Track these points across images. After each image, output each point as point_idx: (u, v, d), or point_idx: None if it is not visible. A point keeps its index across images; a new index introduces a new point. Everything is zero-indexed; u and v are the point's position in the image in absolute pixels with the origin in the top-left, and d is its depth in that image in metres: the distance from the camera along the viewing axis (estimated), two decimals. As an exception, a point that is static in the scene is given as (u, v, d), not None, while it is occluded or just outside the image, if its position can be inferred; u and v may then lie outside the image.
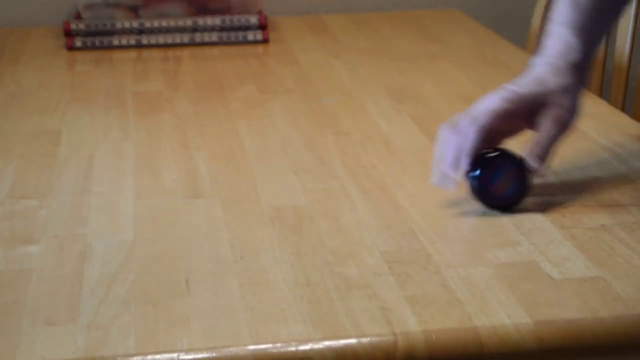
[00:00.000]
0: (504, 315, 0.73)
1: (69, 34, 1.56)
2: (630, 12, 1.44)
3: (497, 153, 0.92)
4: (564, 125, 0.92)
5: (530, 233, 0.87)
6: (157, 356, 0.69)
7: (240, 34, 1.59)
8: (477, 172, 0.90)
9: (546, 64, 0.94)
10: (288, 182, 1.00)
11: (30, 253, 0.85)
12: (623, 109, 1.42)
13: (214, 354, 0.69)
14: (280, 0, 1.81)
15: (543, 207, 0.92)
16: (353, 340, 0.70)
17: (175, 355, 0.69)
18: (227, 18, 1.58)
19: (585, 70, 0.94)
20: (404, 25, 1.69)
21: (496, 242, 0.85)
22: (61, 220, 0.91)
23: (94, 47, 1.56)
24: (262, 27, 1.59)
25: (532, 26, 1.65)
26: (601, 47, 1.50)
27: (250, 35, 1.59)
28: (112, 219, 0.92)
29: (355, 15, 1.76)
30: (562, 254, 0.83)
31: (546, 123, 0.91)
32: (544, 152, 0.91)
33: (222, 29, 1.58)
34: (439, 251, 0.84)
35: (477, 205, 0.93)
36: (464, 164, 0.90)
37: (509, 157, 0.92)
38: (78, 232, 0.89)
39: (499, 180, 0.91)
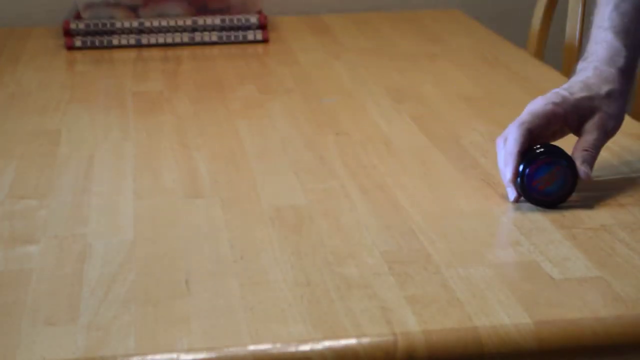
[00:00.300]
0: (504, 315, 0.73)
1: (68, 33, 1.56)
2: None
3: (542, 149, 0.91)
4: (608, 131, 0.93)
5: (530, 233, 0.87)
6: (157, 356, 0.69)
7: (240, 34, 1.59)
8: (521, 166, 0.91)
9: (593, 68, 0.94)
10: (288, 182, 1.00)
11: (30, 253, 0.85)
12: (623, 109, 1.42)
13: (213, 354, 0.69)
14: (280, 0, 1.81)
15: (543, 207, 0.92)
16: (353, 340, 0.70)
17: (175, 355, 0.69)
18: (227, 18, 1.58)
19: (631, 75, 0.95)
20: (404, 25, 1.69)
21: (496, 242, 0.85)
22: (61, 220, 0.91)
23: (93, 47, 1.56)
24: (262, 27, 1.59)
25: (532, 26, 1.65)
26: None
27: (250, 35, 1.59)
28: (112, 219, 0.92)
29: (355, 15, 1.76)
30: (562, 254, 0.83)
31: (592, 129, 0.92)
32: (590, 158, 0.92)
33: (222, 28, 1.58)
34: (439, 251, 0.84)
35: (477, 206, 0.93)
36: (512, 166, 0.90)
37: (555, 153, 0.91)
38: (78, 232, 0.89)
39: (543, 176, 0.90)
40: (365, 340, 0.70)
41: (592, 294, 0.76)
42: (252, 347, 0.70)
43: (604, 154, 1.05)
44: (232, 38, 1.59)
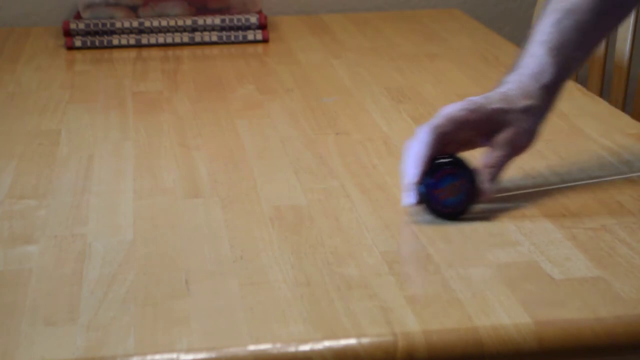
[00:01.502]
0: (504, 315, 0.73)
1: (68, 33, 1.56)
2: (630, 12, 1.44)
3: (449, 159, 0.90)
4: (518, 147, 0.91)
5: (530, 233, 0.87)
6: (157, 356, 0.69)
7: (240, 34, 1.59)
8: (426, 175, 0.89)
9: (518, 82, 0.92)
10: (288, 182, 0.99)
11: (29, 253, 0.85)
12: (623, 109, 1.42)
13: (213, 354, 0.69)
14: (280, 0, 1.81)
15: (543, 207, 0.92)
16: (353, 340, 0.70)
17: (174, 355, 0.69)
18: (227, 18, 1.58)
19: (555, 93, 0.93)
20: (404, 25, 1.69)
21: (496, 242, 0.85)
22: (60, 220, 0.91)
23: (93, 47, 1.56)
24: (262, 26, 1.59)
25: (532, 26, 1.65)
26: (601, 47, 1.50)
27: (250, 35, 1.59)
28: (112, 219, 0.92)
29: (355, 15, 1.76)
30: (562, 254, 0.83)
31: (501, 144, 0.90)
32: (494, 175, 0.89)
33: (222, 28, 1.58)
34: (439, 251, 0.84)
35: (477, 206, 0.93)
36: (419, 169, 0.88)
37: (460, 166, 0.90)
38: (77, 232, 0.89)
39: (446, 186, 0.89)
40: (365, 340, 0.70)
41: (592, 294, 0.76)
42: (252, 347, 0.70)
43: (604, 154, 1.05)
44: (232, 38, 1.58)
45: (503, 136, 0.90)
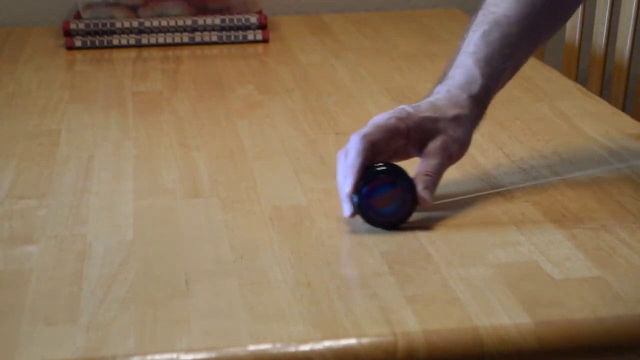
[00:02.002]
0: (504, 315, 0.73)
1: (68, 33, 1.56)
2: (630, 12, 1.44)
3: (383, 168, 0.88)
4: (450, 155, 0.90)
5: (530, 233, 0.87)
6: (157, 356, 0.69)
7: (240, 34, 1.59)
8: (361, 182, 0.87)
9: (446, 92, 0.92)
10: (288, 182, 0.99)
11: (29, 253, 0.85)
12: (623, 109, 1.42)
13: (213, 354, 0.69)
14: (280, 0, 1.81)
15: (543, 207, 0.92)
16: (353, 340, 0.70)
17: (175, 355, 0.69)
18: (227, 18, 1.58)
19: (484, 103, 0.93)
20: (404, 25, 1.69)
21: (496, 242, 0.85)
22: (61, 220, 0.91)
23: (93, 47, 1.56)
24: (262, 26, 1.59)
25: (532, 26, 1.64)
26: (601, 47, 1.50)
27: (250, 35, 1.59)
28: (112, 219, 0.92)
29: (355, 15, 1.76)
30: (562, 254, 0.83)
31: (434, 152, 0.89)
32: (432, 183, 0.89)
33: (222, 28, 1.58)
34: (439, 251, 0.84)
35: (478, 206, 0.93)
36: (352, 179, 0.87)
37: (396, 174, 0.88)
38: (77, 232, 0.89)
39: (382, 195, 0.87)
40: (365, 340, 0.70)
41: (592, 294, 0.76)
42: (252, 347, 0.70)
43: (604, 154, 1.05)
44: (232, 38, 1.58)
45: (434, 144, 0.90)
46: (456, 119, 0.91)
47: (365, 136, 0.88)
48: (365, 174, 0.87)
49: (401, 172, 0.88)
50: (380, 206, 0.87)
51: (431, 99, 0.93)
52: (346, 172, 0.87)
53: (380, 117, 0.90)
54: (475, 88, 0.92)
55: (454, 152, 0.91)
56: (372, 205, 0.87)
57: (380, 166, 0.88)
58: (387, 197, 0.87)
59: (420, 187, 0.88)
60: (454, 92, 0.92)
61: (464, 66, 0.93)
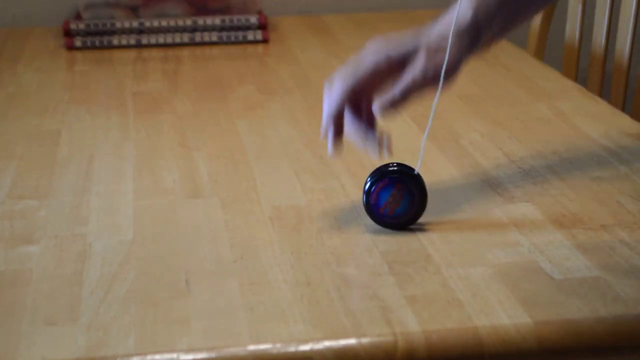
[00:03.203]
0: (504, 315, 0.73)
1: (69, 33, 1.56)
2: (630, 12, 1.44)
3: (395, 168, 0.88)
4: (424, 78, 0.87)
5: (530, 233, 0.87)
6: (157, 356, 0.69)
7: (240, 34, 1.59)
8: (367, 185, 0.87)
9: (436, 25, 0.90)
10: (288, 182, 1.00)
11: (30, 253, 0.85)
12: (623, 109, 1.42)
13: (213, 354, 0.69)
14: (280, 0, 1.81)
15: (543, 207, 0.92)
16: (353, 340, 0.70)
17: (175, 355, 0.69)
18: (227, 18, 1.58)
19: (474, 34, 0.90)
20: (404, 25, 1.68)
21: (496, 242, 0.85)
22: (61, 220, 0.91)
23: (94, 47, 1.56)
24: (262, 27, 1.59)
25: (532, 26, 1.65)
26: (601, 47, 1.50)
27: (250, 35, 1.59)
28: (112, 219, 0.92)
29: (355, 15, 1.76)
30: (562, 254, 0.83)
31: (410, 67, 0.87)
32: (387, 100, 0.86)
33: (222, 28, 1.58)
34: (439, 251, 0.84)
35: (477, 206, 0.93)
36: (327, 117, 0.88)
37: (404, 176, 0.88)
38: (78, 232, 0.89)
39: (386, 201, 0.87)
40: (365, 340, 0.70)
41: (592, 294, 0.76)
42: (252, 347, 0.70)
43: (604, 154, 1.05)
44: (232, 38, 1.59)
45: (409, 65, 0.87)
46: (437, 43, 0.87)
47: (344, 74, 0.87)
48: (373, 177, 0.87)
49: (408, 171, 0.88)
50: (391, 211, 0.87)
51: (419, 30, 0.90)
52: (326, 114, 0.89)
53: (366, 53, 0.88)
54: (463, 20, 0.89)
55: (429, 75, 0.87)
56: (384, 213, 0.87)
57: (388, 167, 0.88)
58: (391, 199, 0.87)
59: (375, 105, 0.86)
60: (439, 22, 0.90)
61: (458, 7, 0.90)
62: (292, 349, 0.70)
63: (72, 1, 1.74)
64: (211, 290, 0.78)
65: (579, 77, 1.59)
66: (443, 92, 0.87)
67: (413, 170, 0.88)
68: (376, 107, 0.86)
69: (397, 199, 0.87)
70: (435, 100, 0.87)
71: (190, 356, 0.69)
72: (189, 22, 1.57)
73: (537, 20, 1.63)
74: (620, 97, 1.46)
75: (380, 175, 0.88)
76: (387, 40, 0.89)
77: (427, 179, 0.99)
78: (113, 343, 0.70)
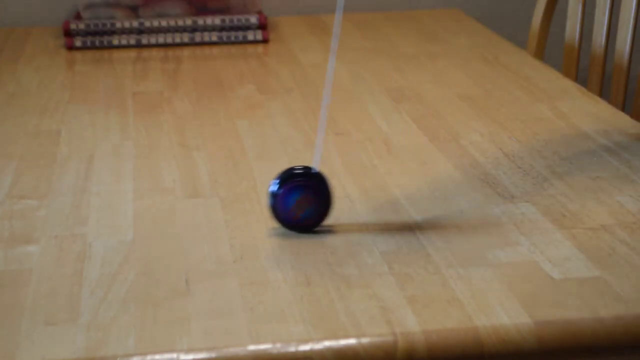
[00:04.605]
0: (504, 315, 0.73)
1: (68, 33, 1.56)
2: (630, 12, 1.44)
3: (301, 171, 0.88)
4: None
5: (530, 233, 0.87)
6: (157, 356, 0.69)
7: (240, 34, 1.59)
8: (274, 189, 0.87)
9: None
10: (288, 182, 0.99)
11: (30, 253, 0.85)
12: (623, 109, 1.42)
13: (213, 354, 0.69)
14: (280, 0, 1.81)
15: (543, 207, 0.92)
16: (353, 340, 0.70)
17: (175, 355, 0.69)
18: (227, 18, 1.58)
19: None
20: (404, 25, 1.69)
21: (496, 242, 0.85)
22: (61, 220, 0.91)
23: (94, 47, 1.56)
24: (262, 27, 1.59)
25: (532, 26, 1.65)
26: (601, 47, 1.50)
27: (250, 35, 1.59)
28: (112, 219, 0.92)
29: (355, 15, 1.76)
30: (562, 254, 0.83)
31: None
32: None
33: (222, 28, 1.58)
34: (439, 251, 0.84)
35: (477, 206, 0.93)
36: None
37: (310, 178, 0.87)
38: (78, 232, 0.89)
39: (294, 201, 0.87)
40: (365, 340, 0.70)
41: (592, 294, 0.76)
42: (252, 347, 0.70)
43: (604, 154, 1.05)
44: (232, 38, 1.59)
45: None
46: None
47: None
48: (281, 180, 0.87)
49: (316, 174, 0.87)
50: (298, 214, 0.87)
51: None
52: None
53: None
54: None
55: None
56: (291, 217, 0.87)
57: (295, 170, 0.88)
58: (299, 202, 0.87)
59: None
60: None
61: None
62: (292, 349, 0.70)
63: (72, 1, 1.74)
64: (211, 290, 0.78)
65: (579, 77, 1.59)
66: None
67: (319, 173, 0.87)
68: None
69: (304, 202, 0.87)
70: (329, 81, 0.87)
71: (190, 356, 0.69)
72: (189, 22, 1.57)
73: (537, 20, 1.63)
74: (620, 97, 1.46)
75: (286, 178, 0.87)
76: None
77: (428, 179, 0.99)
78: (113, 343, 0.70)
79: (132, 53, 1.53)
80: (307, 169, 0.88)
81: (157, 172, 1.03)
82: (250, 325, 0.72)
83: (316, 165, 0.88)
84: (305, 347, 0.70)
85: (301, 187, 0.87)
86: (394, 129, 1.15)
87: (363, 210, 0.92)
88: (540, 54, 1.63)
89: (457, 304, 0.75)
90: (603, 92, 1.51)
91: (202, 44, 1.58)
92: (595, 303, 0.75)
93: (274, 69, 1.44)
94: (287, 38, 1.61)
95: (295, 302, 0.75)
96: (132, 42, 1.57)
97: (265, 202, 0.95)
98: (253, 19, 1.58)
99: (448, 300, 0.75)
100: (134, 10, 1.60)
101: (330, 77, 0.86)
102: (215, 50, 1.55)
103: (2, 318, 0.74)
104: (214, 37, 1.58)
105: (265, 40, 1.59)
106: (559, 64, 1.61)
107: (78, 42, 1.56)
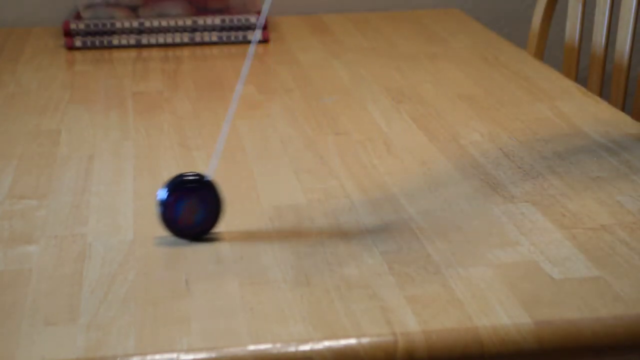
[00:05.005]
0: (504, 315, 0.73)
1: (69, 33, 1.56)
2: (630, 12, 1.44)
3: (190, 178, 0.86)
4: None
5: (530, 233, 0.87)
6: (157, 356, 0.69)
7: (240, 34, 1.59)
8: (162, 196, 0.85)
9: None
10: (288, 182, 0.99)
11: (29, 253, 0.85)
12: (623, 109, 1.42)
13: (213, 354, 0.69)
14: (280, 0, 1.81)
15: (543, 207, 0.92)
16: (353, 340, 0.70)
17: (175, 355, 0.69)
18: (227, 18, 1.58)
19: None
20: (404, 25, 1.69)
21: (496, 242, 0.85)
22: (61, 220, 0.91)
23: (94, 47, 1.56)
24: (262, 27, 1.59)
25: (532, 26, 1.65)
26: (601, 47, 1.50)
27: (250, 35, 1.59)
28: (112, 219, 0.92)
29: (355, 15, 1.76)
30: (562, 254, 0.83)
31: None
32: None
33: (222, 28, 1.58)
34: (439, 251, 0.84)
35: (477, 206, 0.93)
36: None
37: (199, 185, 0.86)
38: (78, 232, 0.89)
39: (184, 208, 0.85)
40: (365, 340, 0.70)
41: (592, 294, 0.76)
42: (252, 347, 0.70)
43: (604, 154, 1.05)
44: (232, 38, 1.59)
45: None
46: None
47: None
48: (170, 188, 0.85)
49: (204, 180, 0.86)
50: (188, 221, 0.86)
51: None
52: None
53: None
54: None
55: None
56: (181, 224, 0.86)
57: (185, 176, 0.86)
58: (188, 211, 0.86)
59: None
60: None
61: None
62: (292, 349, 0.70)
63: (72, 1, 1.74)
64: (211, 290, 0.78)
65: (579, 77, 1.59)
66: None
67: (208, 179, 0.86)
68: None
69: (193, 209, 0.86)
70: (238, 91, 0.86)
71: (190, 356, 0.69)
72: (189, 22, 1.57)
73: (537, 20, 1.63)
74: (620, 97, 1.46)
75: (176, 185, 0.86)
76: None
77: (428, 179, 0.99)
78: (113, 343, 0.70)
79: (132, 53, 1.53)
80: (195, 176, 0.87)
81: (157, 172, 1.03)
82: (250, 325, 0.72)
83: (211, 173, 0.86)
84: (305, 347, 0.70)
85: (189, 193, 0.85)
86: (394, 129, 1.15)
87: (363, 210, 0.92)
88: (540, 54, 1.63)
89: (457, 304, 0.75)
90: (603, 92, 1.51)
91: (202, 44, 1.58)
92: (595, 303, 0.75)
93: (274, 69, 1.44)
94: (287, 38, 1.61)
95: (295, 302, 0.75)
96: (132, 42, 1.57)
97: (265, 202, 0.95)
98: (253, 19, 1.58)
99: (448, 300, 0.75)
100: (134, 10, 1.60)
101: (237, 98, 0.86)
102: (215, 50, 1.55)
103: (2, 318, 0.74)
104: (214, 37, 1.58)
105: (265, 40, 1.59)
106: (559, 64, 1.61)
107: (78, 42, 1.56)
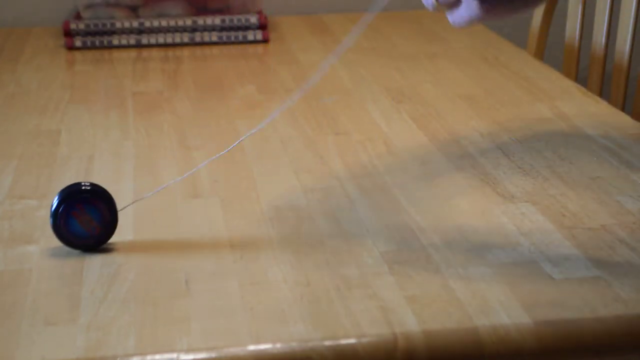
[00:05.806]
0: (504, 315, 0.73)
1: (69, 33, 1.56)
2: (630, 12, 1.44)
3: (87, 188, 0.85)
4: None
5: (530, 233, 0.87)
6: (157, 356, 0.69)
7: (240, 34, 1.59)
8: (55, 206, 0.84)
9: None
10: (288, 182, 0.99)
11: (29, 253, 0.85)
12: (623, 109, 1.42)
13: (213, 354, 0.69)
14: (280, 0, 1.81)
15: (543, 207, 0.92)
16: (353, 340, 0.70)
17: (175, 355, 0.69)
18: (227, 18, 1.58)
19: None
20: (404, 25, 1.69)
21: (496, 242, 0.85)
22: (61, 220, 0.91)
23: (94, 47, 1.56)
24: (262, 27, 1.59)
25: (532, 26, 1.65)
26: (601, 47, 1.50)
27: (250, 35, 1.59)
28: (112, 219, 0.91)
29: (355, 15, 1.76)
30: (562, 254, 0.83)
31: None
32: None
33: (222, 28, 1.58)
34: (439, 251, 0.84)
35: (477, 206, 0.93)
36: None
37: (94, 195, 0.85)
38: (78, 232, 0.89)
39: (78, 218, 0.84)
40: (365, 340, 0.70)
41: (592, 294, 0.76)
42: (252, 347, 0.70)
43: (604, 154, 1.05)
44: (232, 38, 1.59)
45: None
46: None
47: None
48: (63, 198, 0.84)
49: (99, 190, 0.85)
50: (84, 230, 0.84)
51: None
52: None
53: None
54: None
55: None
56: (75, 233, 0.84)
57: (80, 186, 0.85)
58: (83, 219, 0.84)
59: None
60: None
61: None
62: (292, 349, 0.70)
63: (72, 1, 1.74)
64: (211, 290, 0.78)
65: (579, 77, 1.59)
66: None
67: (103, 189, 0.85)
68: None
69: (87, 219, 0.84)
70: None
71: (190, 356, 0.69)
72: (189, 22, 1.57)
73: (537, 20, 1.63)
74: (620, 97, 1.46)
75: (70, 195, 0.84)
76: None
77: (428, 179, 0.99)
78: (113, 343, 0.70)
79: (132, 53, 1.53)
80: (89, 185, 0.85)
81: (157, 172, 1.03)
82: (250, 325, 0.72)
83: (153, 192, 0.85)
84: (305, 347, 0.70)
85: (81, 203, 0.84)
86: (394, 129, 1.15)
87: (363, 210, 0.92)
88: (540, 54, 1.63)
89: (457, 304, 0.75)
90: (603, 92, 1.51)
91: (202, 44, 1.58)
92: (595, 303, 0.75)
93: (274, 69, 1.44)
94: (287, 38, 1.61)
95: (295, 302, 0.75)
96: (132, 42, 1.57)
97: (265, 202, 0.95)
98: (253, 19, 1.58)
99: (448, 300, 0.75)
100: (134, 10, 1.60)
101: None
102: (215, 50, 1.55)
103: (2, 318, 0.74)
104: (214, 37, 1.58)
105: (265, 40, 1.59)
106: (559, 64, 1.61)
107: (78, 42, 1.56)
